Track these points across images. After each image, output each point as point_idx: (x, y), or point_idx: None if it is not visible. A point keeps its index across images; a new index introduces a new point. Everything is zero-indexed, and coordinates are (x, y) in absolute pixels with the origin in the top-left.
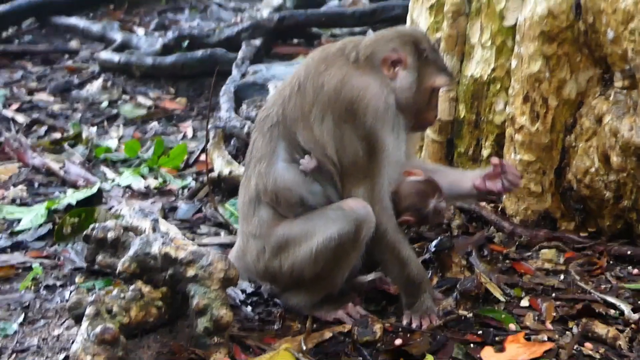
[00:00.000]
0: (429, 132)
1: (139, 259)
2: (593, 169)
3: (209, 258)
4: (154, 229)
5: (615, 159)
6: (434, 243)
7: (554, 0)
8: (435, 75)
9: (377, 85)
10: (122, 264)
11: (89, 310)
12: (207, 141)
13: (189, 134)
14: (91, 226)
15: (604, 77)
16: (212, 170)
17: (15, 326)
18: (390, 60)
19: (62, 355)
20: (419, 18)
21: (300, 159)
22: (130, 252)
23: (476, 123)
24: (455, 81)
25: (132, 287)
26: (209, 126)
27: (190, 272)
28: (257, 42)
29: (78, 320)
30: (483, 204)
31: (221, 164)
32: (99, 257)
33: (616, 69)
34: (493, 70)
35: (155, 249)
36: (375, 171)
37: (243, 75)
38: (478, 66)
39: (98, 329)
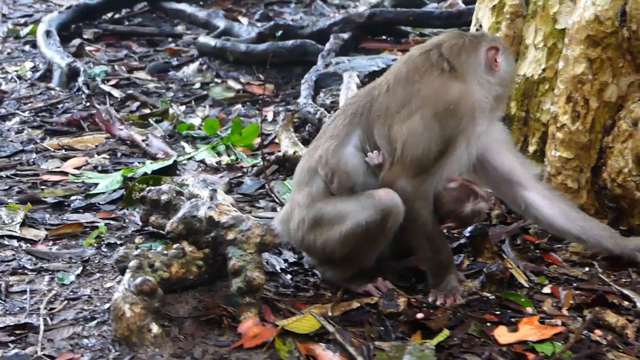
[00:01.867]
0: None
1: (186, 221)
2: (626, 170)
3: (248, 223)
4: (211, 198)
5: None
6: (469, 229)
7: (601, 6)
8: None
9: (477, 91)
10: (170, 224)
11: (132, 263)
12: (262, 120)
13: (270, 117)
14: (147, 189)
15: None
16: (265, 146)
17: (72, 277)
18: (493, 57)
19: (108, 305)
20: (483, 18)
21: (369, 152)
22: (179, 214)
23: (525, 120)
24: None
25: (175, 245)
26: (281, 109)
27: (230, 236)
28: (346, 35)
29: (123, 272)
30: None
31: (287, 144)
32: (152, 218)
33: None
34: (543, 70)
35: (201, 212)
36: (434, 170)
37: (327, 66)
38: (530, 66)
39: (138, 280)
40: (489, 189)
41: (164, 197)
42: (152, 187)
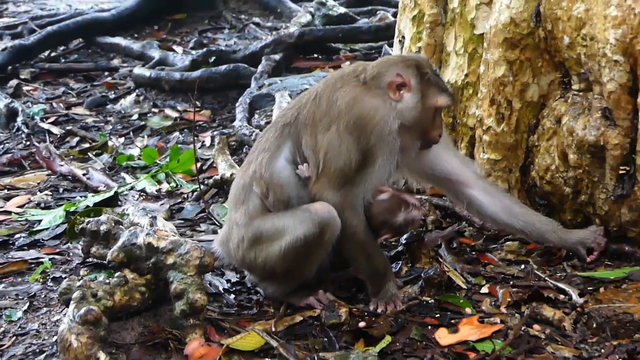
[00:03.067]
0: None
1: (126, 249)
2: (553, 166)
3: (186, 247)
4: (152, 225)
5: (572, 157)
6: (405, 236)
7: (515, 9)
8: (438, 95)
9: (385, 109)
10: (111, 253)
11: (76, 294)
12: (200, 145)
13: (207, 142)
14: (86, 220)
15: (564, 80)
16: (203, 171)
17: (19, 313)
18: (395, 84)
19: (56, 337)
20: (405, 29)
21: (300, 164)
22: (119, 243)
23: (453, 126)
24: (455, 100)
25: (117, 274)
26: (216, 133)
27: (170, 260)
28: (277, 56)
29: (67, 304)
30: None
31: (224, 167)
32: (93, 249)
33: (573, 73)
34: (466, 75)
35: (140, 239)
36: (358, 180)
37: (260, 88)
38: (453, 72)
39: (82, 311)
40: (437, 188)
41: (103, 228)
42: (91, 219)
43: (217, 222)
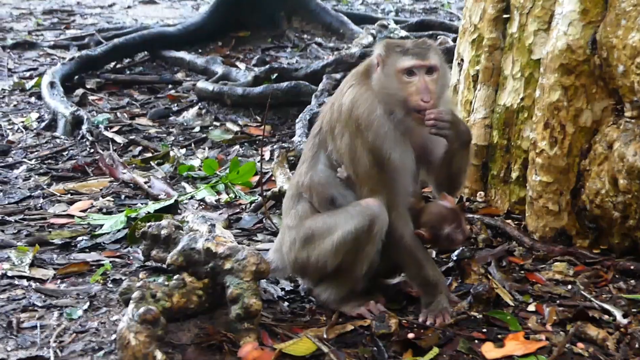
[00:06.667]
0: None
1: (186, 253)
2: (603, 191)
3: (243, 253)
4: (210, 232)
5: (622, 182)
6: (455, 252)
7: (572, 36)
8: (399, 58)
9: (370, 98)
10: (170, 257)
11: (135, 294)
12: (261, 159)
13: (267, 156)
14: (147, 224)
15: (617, 107)
16: (264, 183)
17: (80, 312)
18: (375, 65)
19: (114, 336)
20: (464, 52)
21: (338, 167)
22: (179, 247)
23: (507, 148)
24: (425, 61)
25: (176, 276)
26: (275, 147)
27: (227, 265)
28: (338, 75)
29: (127, 303)
30: (509, 220)
31: (282, 180)
32: (153, 252)
33: (626, 100)
34: (522, 99)
35: (199, 244)
36: (389, 182)
37: (320, 105)
38: (510, 96)
39: (141, 310)
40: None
41: (163, 232)
42: (152, 223)
43: (276, 228)
